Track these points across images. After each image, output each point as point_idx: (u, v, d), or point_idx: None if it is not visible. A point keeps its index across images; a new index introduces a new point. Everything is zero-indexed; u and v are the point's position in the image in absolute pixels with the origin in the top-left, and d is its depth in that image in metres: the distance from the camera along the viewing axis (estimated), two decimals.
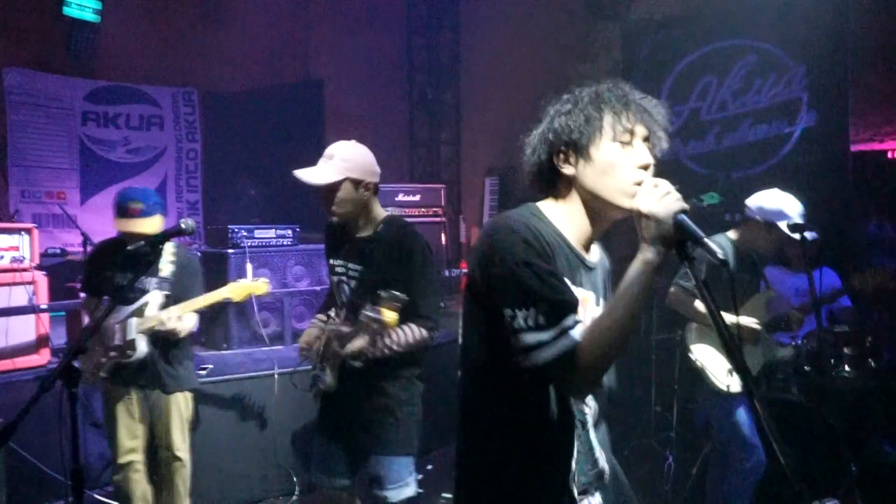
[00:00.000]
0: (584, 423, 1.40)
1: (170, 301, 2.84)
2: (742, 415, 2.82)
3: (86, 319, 3.63)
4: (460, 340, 1.44)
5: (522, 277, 1.23)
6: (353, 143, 2.35)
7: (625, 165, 1.30)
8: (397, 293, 2.13)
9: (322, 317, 2.57)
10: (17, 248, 3.68)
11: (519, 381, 1.30)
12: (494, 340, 1.29)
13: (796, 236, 2.69)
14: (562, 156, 1.36)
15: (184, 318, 2.80)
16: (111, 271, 2.86)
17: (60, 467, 3.30)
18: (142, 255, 2.18)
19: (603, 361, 1.24)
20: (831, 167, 4.98)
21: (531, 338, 1.22)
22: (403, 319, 2.23)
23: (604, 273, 1.52)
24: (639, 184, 1.27)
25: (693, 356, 2.92)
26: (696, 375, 2.92)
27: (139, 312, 2.81)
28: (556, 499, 1.35)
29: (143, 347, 2.79)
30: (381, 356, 2.24)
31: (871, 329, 3.57)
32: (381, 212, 2.39)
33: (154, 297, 2.82)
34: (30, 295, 3.65)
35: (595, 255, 1.47)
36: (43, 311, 3.67)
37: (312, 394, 2.47)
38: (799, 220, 2.75)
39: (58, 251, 6.33)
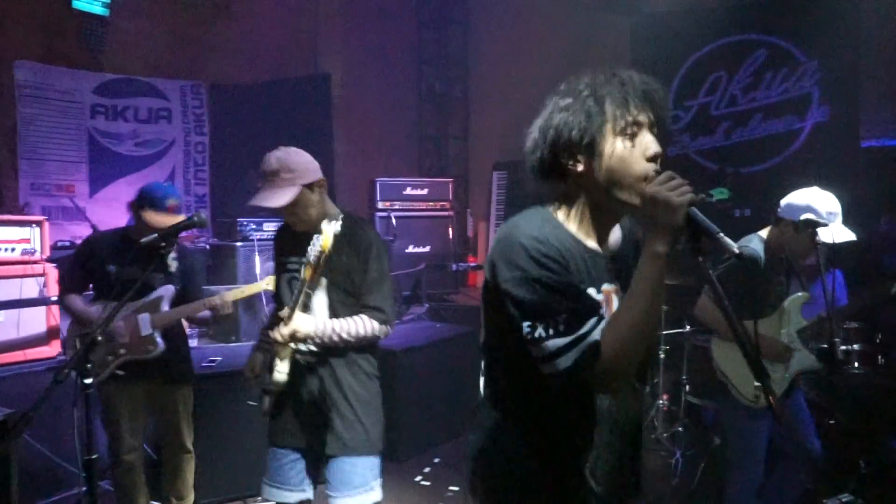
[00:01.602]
0: (609, 418, 1.37)
1: (177, 295, 2.85)
2: (759, 432, 2.69)
3: (64, 322, 3.51)
4: (481, 338, 1.44)
5: (537, 292, 1.24)
6: (283, 150, 2.26)
7: (633, 159, 1.26)
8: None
9: (267, 335, 2.41)
10: (28, 241, 3.71)
11: (537, 376, 1.29)
12: (514, 341, 1.29)
13: (824, 235, 2.46)
14: (567, 154, 1.31)
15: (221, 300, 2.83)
16: (116, 266, 2.78)
17: (72, 458, 3.36)
18: (156, 248, 2.18)
19: (625, 358, 1.22)
20: (842, 163, 4.95)
21: (552, 344, 1.22)
22: (356, 312, 2.20)
23: (629, 253, 1.47)
24: (647, 177, 1.25)
25: (718, 365, 2.76)
26: (720, 385, 2.75)
27: (152, 308, 2.80)
28: (572, 491, 1.35)
29: (161, 343, 2.80)
30: (331, 344, 2.16)
31: (880, 326, 3.54)
32: (334, 208, 2.34)
33: (167, 292, 2.83)
34: (40, 287, 3.68)
35: (615, 241, 1.43)
36: (53, 303, 3.70)
37: (264, 409, 2.29)
38: (825, 219, 2.53)
39: (67, 244, 6.36)
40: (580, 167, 1.31)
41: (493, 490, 1.42)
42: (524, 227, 1.29)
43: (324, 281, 2.20)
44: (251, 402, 2.35)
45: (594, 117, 1.27)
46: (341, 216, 2.24)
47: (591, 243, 1.37)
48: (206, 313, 2.86)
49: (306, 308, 2.18)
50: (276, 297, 2.43)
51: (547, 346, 1.22)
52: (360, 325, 2.17)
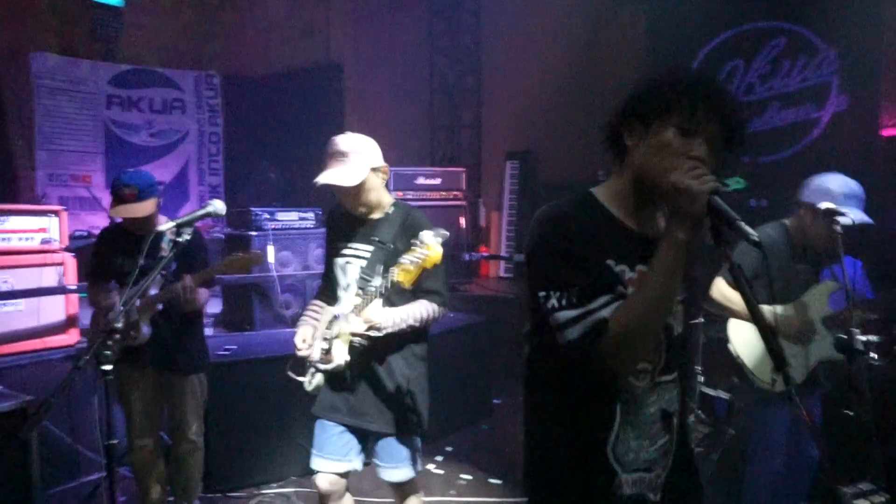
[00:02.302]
0: (634, 399, 1.37)
1: (169, 280, 2.79)
2: (776, 417, 2.66)
3: (83, 310, 3.61)
4: (525, 338, 1.49)
5: (556, 262, 1.30)
6: (353, 135, 2.34)
7: (677, 152, 1.28)
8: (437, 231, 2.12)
9: (313, 310, 2.51)
10: (46, 230, 3.75)
11: (561, 358, 1.33)
12: (541, 327, 1.36)
13: (842, 221, 2.40)
14: (627, 124, 1.35)
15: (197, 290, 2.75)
16: (119, 257, 2.82)
17: (91, 444, 3.41)
18: (173, 238, 2.18)
19: (630, 339, 1.23)
20: (861, 153, 4.87)
21: (561, 316, 1.27)
22: (408, 297, 2.27)
23: None
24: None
25: (734, 351, 2.74)
26: (736, 370, 2.74)
27: (141, 294, 2.75)
28: (592, 468, 1.37)
29: (146, 329, 2.75)
30: (398, 330, 2.23)
31: None
32: (389, 195, 2.44)
33: (154, 278, 2.75)
34: (59, 276, 3.73)
35: (660, 226, 1.42)
36: (72, 291, 3.75)
37: (310, 386, 2.38)
38: (842, 203, 2.48)
39: (84, 233, 6.44)
40: (630, 141, 1.35)
41: (533, 463, 1.48)
42: (557, 205, 1.37)
43: (380, 268, 2.25)
44: (291, 374, 2.44)
45: (666, 102, 1.30)
46: (394, 203, 2.37)
47: (631, 223, 1.38)
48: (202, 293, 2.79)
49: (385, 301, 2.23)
50: (327, 278, 2.50)
51: (557, 317, 1.28)
52: (425, 310, 2.28)
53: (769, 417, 2.69)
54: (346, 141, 2.29)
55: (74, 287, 3.75)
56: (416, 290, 2.27)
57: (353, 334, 2.22)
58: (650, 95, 1.33)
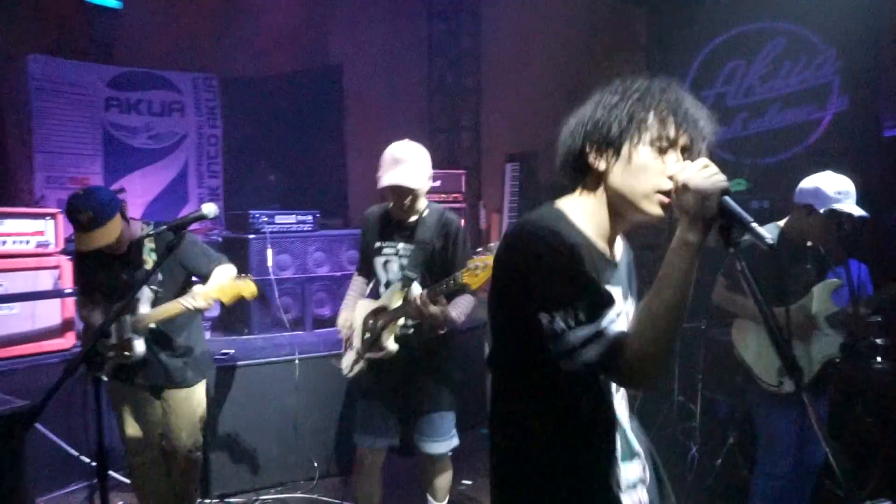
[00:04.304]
0: (619, 423, 1.37)
1: (161, 293, 2.65)
2: (783, 419, 2.62)
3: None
4: (487, 348, 1.41)
5: (555, 281, 1.20)
6: (410, 143, 2.59)
7: (655, 172, 1.24)
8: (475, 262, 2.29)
9: (352, 298, 2.84)
10: (42, 233, 3.72)
11: (554, 383, 1.28)
12: (526, 345, 1.27)
13: (846, 212, 2.45)
14: (595, 148, 1.30)
15: (198, 299, 2.60)
16: (99, 272, 2.67)
17: (84, 449, 3.38)
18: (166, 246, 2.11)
19: (654, 351, 1.16)
20: (863, 154, 4.84)
21: (573, 337, 1.18)
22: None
23: (627, 268, 1.48)
24: (665, 192, 1.23)
25: (739, 352, 2.73)
26: (745, 374, 2.73)
27: (131, 310, 2.61)
28: (600, 501, 1.31)
29: (139, 347, 2.63)
30: (452, 326, 2.56)
31: None
32: (426, 200, 2.70)
33: (144, 294, 2.63)
34: (55, 279, 3.69)
35: (619, 250, 1.43)
36: (68, 295, 3.72)
37: (351, 371, 2.69)
38: (832, 199, 2.50)
39: None
40: (602, 165, 1.30)
41: (517, 500, 1.36)
42: (535, 221, 1.28)
43: (421, 265, 2.57)
44: (334, 362, 2.86)
45: (635, 121, 1.25)
46: (427, 206, 2.65)
47: (600, 244, 1.35)
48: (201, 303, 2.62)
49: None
50: (364, 275, 2.85)
51: (568, 339, 1.18)
52: (468, 304, 2.60)
53: (776, 420, 2.65)
54: (405, 147, 2.55)
55: (70, 291, 3.72)
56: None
57: (405, 326, 2.53)
58: (620, 118, 1.26)
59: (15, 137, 6.68)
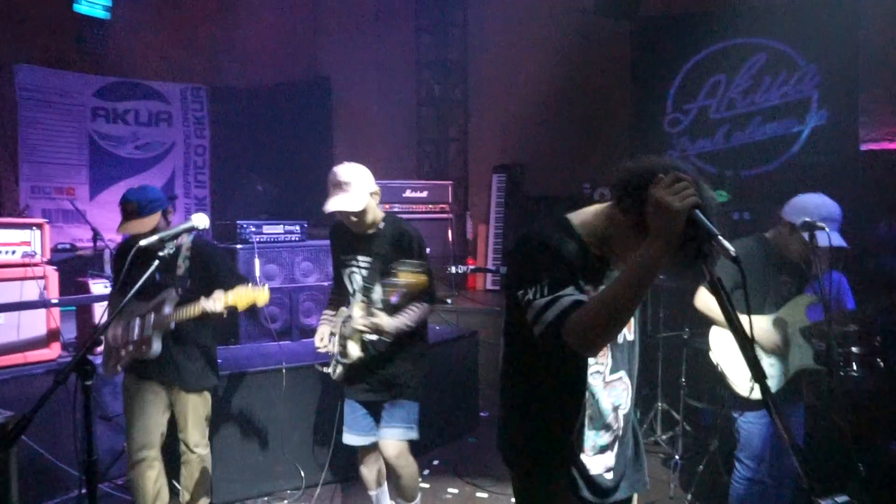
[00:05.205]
0: (593, 395, 1.62)
1: (185, 297, 2.83)
2: (756, 424, 2.70)
3: (64, 324, 3.75)
4: (503, 339, 1.73)
5: (530, 263, 1.49)
6: (350, 165, 2.71)
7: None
8: (411, 262, 2.55)
9: (330, 312, 2.96)
10: (28, 244, 3.71)
11: (535, 350, 1.53)
12: (518, 319, 1.54)
13: (821, 239, 2.51)
14: (632, 194, 1.39)
15: (218, 304, 2.74)
16: (132, 269, 2.83)
17: (71, 460, 3.36)
18: (154, 250, 2.19)
19: (593, 322, 1.35)
20: (841, 166, 4.96)
21: (537, 303, 1.43)
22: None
23: None
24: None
25: (714, 359, 2.80)
26: (719, 378, 2.81)
27: (156, 310, 2.82)
28: (559, 448, 1.62)
29: (157, 345, 2.80)
30: (400, 333, 2.68)
31: (879, 328, 3.55)
32: (380, 211, 2.81)
33: (168, 295, 2.82)
34: (41, 289, 3.68)
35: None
36: (54, 305, 3.70)
37: (336, 376, 2.85)
38: (819, 222, 2.57)
39: (67, 246, 6.38)
40: (628, 213, 1.41)
41: (510, 444, 1.73)
42: (536, 230, 1.55)
43: (378, 277, 2.72)
44: (318, 367, 3.08)
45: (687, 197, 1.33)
46: (384, 218, 2.79)
47: (601, 252, 1.54)
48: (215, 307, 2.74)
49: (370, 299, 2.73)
50: (336, 290, 2.99)
51: (534, 305, 1.43)
52: (420, 312, 2.74)
53: (752, 425, 2.73)
54: (346, 171, 2.67)
55: (56, 301, 3.70)
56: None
57: (362, 333, 2.69)
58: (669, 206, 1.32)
59: (1, 147, 6.65)
